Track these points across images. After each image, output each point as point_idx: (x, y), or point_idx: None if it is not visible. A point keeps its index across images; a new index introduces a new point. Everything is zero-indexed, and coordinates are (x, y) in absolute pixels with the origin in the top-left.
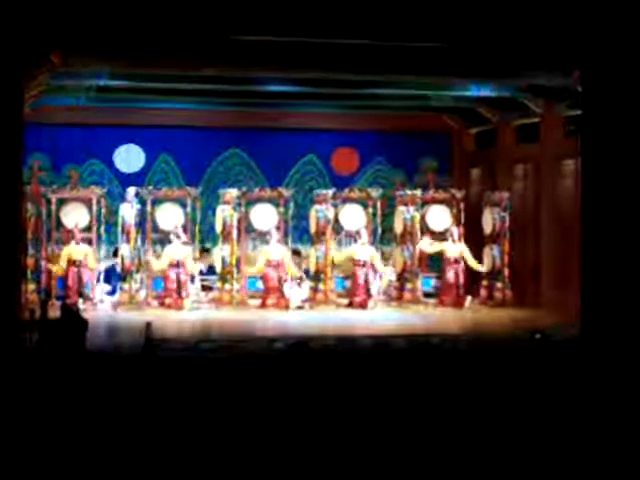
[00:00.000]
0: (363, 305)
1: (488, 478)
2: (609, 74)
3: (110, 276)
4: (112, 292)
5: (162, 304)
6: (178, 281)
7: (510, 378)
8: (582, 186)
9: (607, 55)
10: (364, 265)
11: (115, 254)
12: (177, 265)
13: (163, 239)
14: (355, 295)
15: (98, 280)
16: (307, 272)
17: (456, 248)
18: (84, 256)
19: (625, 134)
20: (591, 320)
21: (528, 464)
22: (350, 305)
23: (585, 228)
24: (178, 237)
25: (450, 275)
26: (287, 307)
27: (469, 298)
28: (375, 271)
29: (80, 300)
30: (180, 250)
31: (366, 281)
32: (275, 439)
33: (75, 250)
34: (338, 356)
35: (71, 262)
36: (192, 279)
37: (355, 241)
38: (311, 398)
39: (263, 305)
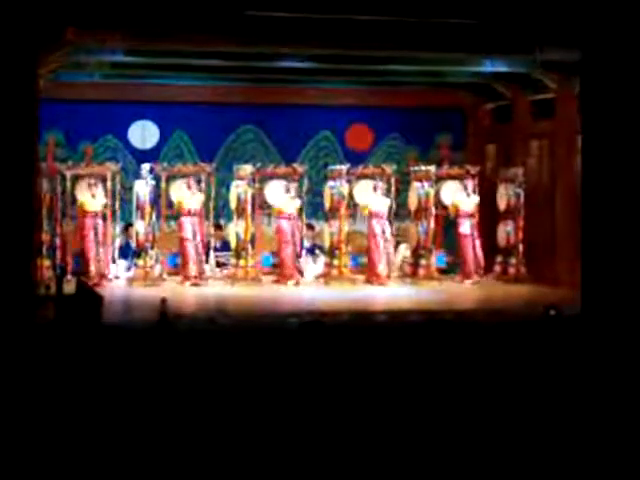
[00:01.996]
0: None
1: (506, 455)
2: (613, 52)
3: (124, 253)
4: (127, 268)
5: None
6: (194, 232)
7: (524, 353)
8: (582, 164)
9: (611, 33)
10: (381, 217)
11: (125, 231)
12: (189, 214)
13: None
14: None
15: (114, 258)
16: (321, 248)
17: (470, 201)
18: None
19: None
20: (591, 297)
21: (540, 442)
22: (368, 281)
23: (585, 207)
24: (189, 187)
25: (464, 229)
26: (298, 283)
27: (476, 278)
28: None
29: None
30: (193, 200)
31: (383, 232)
32: (290, 415)
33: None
34: (352, 332)
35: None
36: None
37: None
38: (326, 374)
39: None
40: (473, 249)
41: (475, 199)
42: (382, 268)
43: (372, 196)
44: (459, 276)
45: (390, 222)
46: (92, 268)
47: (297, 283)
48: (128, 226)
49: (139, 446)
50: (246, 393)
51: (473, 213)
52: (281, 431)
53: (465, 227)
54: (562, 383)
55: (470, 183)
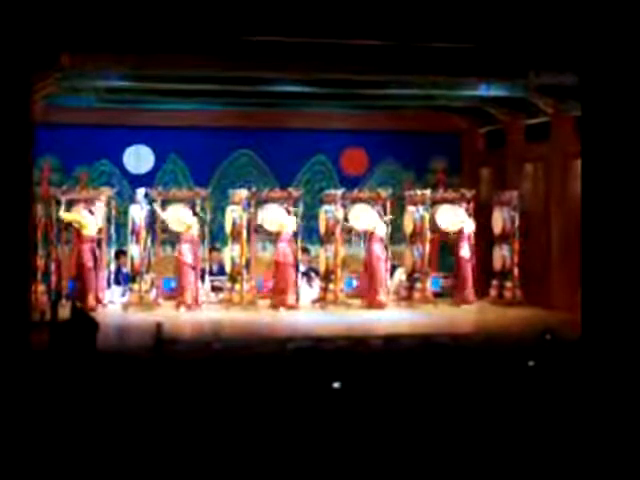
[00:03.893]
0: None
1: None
2: (610, 74)
3: (118, 279)
4: (121, 294)
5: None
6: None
7: (520, 378)
8: (582, 187)
9: (609, 55)
10: (380, 240)
11: (117, 257)
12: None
13: (173, 240)
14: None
15: (109, 282)
16: (317, 272)
17: (468, 224)
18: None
19: (626, 135)
20: (592, 320)
21: (540, 467)
22: (369, 306)
23: (585, 230)
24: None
25: (464, 252)
26: (292, 307)
27: (474, 300)
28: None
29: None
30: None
31: (383, 254)
32: (286, 441)
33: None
34: (348, 356)
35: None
36: (202, 276)
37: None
38: (322, 398)
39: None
40: (472, 272)
41: (471, 223)
42: (380, 290)
43: (373, 219)
44: (455, 299)
45: (385, 246)
46: (87, 293)
47: (292, 307)
48: (118, 253)
49: (135, 472)
50: (241, 418)
51: (470, 236)
52: (279, 456)
53: (465, 250)
54: (560, 407)
55: (465, 207)
